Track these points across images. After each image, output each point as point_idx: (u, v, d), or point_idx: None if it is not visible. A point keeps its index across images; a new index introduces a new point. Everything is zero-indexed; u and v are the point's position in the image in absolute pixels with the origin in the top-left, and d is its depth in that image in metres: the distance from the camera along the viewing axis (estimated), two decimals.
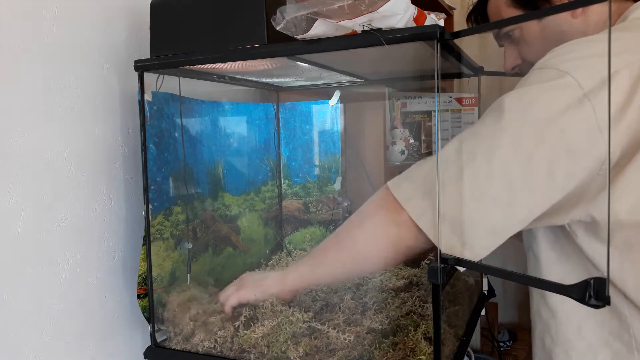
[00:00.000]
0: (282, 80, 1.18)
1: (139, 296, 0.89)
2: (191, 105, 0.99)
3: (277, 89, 1.26)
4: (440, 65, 0.63)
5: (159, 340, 0.86)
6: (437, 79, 0.63)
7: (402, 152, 1.24)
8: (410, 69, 1.06)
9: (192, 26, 0.78)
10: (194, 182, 1.00)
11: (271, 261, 1.14)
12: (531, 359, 0.86)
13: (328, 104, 1.23)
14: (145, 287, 0.88)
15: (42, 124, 0.77)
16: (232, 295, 0.82)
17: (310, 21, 0.64)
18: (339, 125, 1.24)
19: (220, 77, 1.02)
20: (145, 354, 0.85)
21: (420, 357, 0.72)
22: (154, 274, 0.87)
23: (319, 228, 1.25)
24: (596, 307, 0.50)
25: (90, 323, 0.85)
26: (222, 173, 1.09)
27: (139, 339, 0.95)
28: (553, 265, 0.75)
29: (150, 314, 0.87)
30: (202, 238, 1.01)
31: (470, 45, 1.57)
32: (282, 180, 1.29)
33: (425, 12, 0.69)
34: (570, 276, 0.71)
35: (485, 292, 1.09)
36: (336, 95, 1.21)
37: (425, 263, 0.96)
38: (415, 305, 0.86)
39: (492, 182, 0.62)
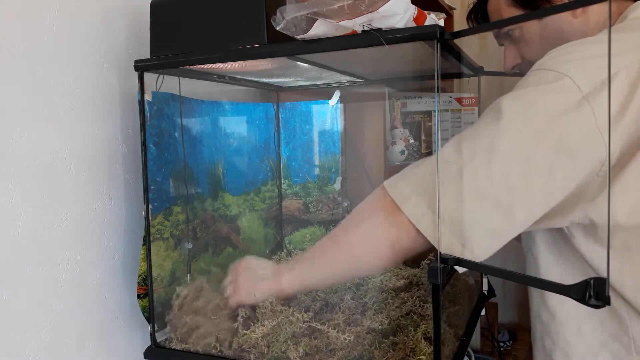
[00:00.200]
0: (282, 80, 1.18)
1: (139, 296, 0.89)
2: (191, 105, 0.99)
3: (277, 89, 1.26)
4: (440, 65, 0.63)
5: (159, 340, 0.86)
6: (437, 79, 0.63)
7: (402, 152, 1.24)
8: (410, 69, 1.06)
9: (192, 26, 0.78)
10: (194, 182, 1.00)
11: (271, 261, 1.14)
12: (531, 359, 0.86)
13: (328, 104, 1.23)
14: (145, 287, 0.88)
15: (42, 124, 0.77)
16: (231, 299, 0.82)
17: (310, 21, 0.64)
18: (339, 125, 1.24)
19: (220, 77, 1.02)
20: (145, 354, 0.85)
21: (420, 357, 0.72)
22: (154, 274, 0.87)
23: (319, 228, 1.25)
24: (596, 307, 0.50)
25: (90, 323, 0.85)
26: (222, 173, 1.09)
27: (139, 339, 0.95)
28: (551, 267, 0.75)
29: (150, 314, 0.87)
30: (202, 238, 1.01)
31: (470, 45, 1.57)
32: (282, 180, 1.29)
33: (425, 12, 0.69)
34: (568, 279, 0.71)
35: (485, 292, 1.09)
36: (336, 95, 1.21)
37: (425, 263, 0.96)
38: (415, 305, 0.86)
39: (492, 183, 0.61)
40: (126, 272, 0.92)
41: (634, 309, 0.67)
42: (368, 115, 1.36)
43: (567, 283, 0.53)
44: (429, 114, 1.23)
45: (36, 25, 0.75)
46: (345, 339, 0.75)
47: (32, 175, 0.75)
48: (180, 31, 0.79)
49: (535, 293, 0.81)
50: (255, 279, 0.82)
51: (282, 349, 0.76)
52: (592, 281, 0.50)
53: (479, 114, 1.15)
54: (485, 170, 0.62)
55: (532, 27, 0.81)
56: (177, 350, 0.83)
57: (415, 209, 0.64)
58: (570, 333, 0.75)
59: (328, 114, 1.24)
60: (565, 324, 0.75)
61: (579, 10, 0.76)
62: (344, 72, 1.06)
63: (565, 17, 0.77)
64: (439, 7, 1.31)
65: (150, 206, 0.86)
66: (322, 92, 1.25)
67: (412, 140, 1.24)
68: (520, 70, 0.88)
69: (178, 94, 0.93)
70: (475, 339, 1.36)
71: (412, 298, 0.88)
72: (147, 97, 0.85)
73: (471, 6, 0.92)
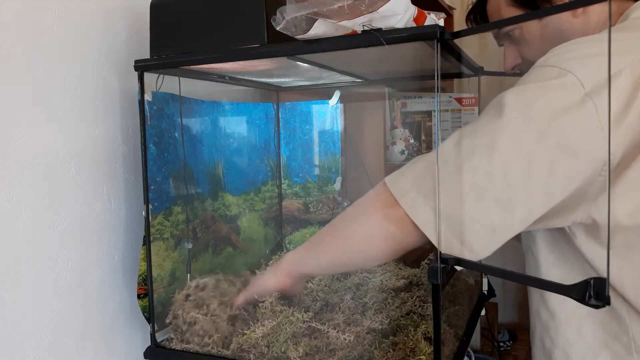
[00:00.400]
0: (282, 80, 1.18)
1: (139, 296, 0.89)
2: (191, 105, 0.99)
3: (277, 89, 1.26)
4: (440, 65, 0.63)
5: (159, 340, 0.86)
6: (437, 79, 0.63)
7: (402, 152, 1.24)
8: (410, 69, 1.06)
9: (192, 26, 0.78)
10: (194, 182, 1.00)
11: (271, 261, 1.14)
12: (531, 359, 0.86)
13: (328, 104, 1.23)
14: (145, 287, 0.88)
15: (42, 123, 0.77)
16: (238, 296, 0.83)
17: (310, 21, 0.64)
18: (339, 125, 1.24)
19: (220, 77, 1.02)
20: (145, 354, 0.85)
21: (420, 357, 0.72)
22: (154, 274, 0.87)
23: (319, 228, 1.25)
24: (596, 307, 0.50)
25: (90, 323, 0.85)
26: (222, 173, 1.09)
27: (139, 339, 0.95)
28: (551, 267, 0.75)
29: (150, 314, 0.87)
30: (202, 238, 1.01)
31: (470, 45, 1.57)
32: (282, 180, 1.29)
33: (425, 12, 0.69)
34: (568, 278, 0.71)
35: (485, 292, 1.09)
36: (336, 95, 1.21)
37: (425, 263, 0.96)
38: (415, 305, 0.86)
39: (492, 180, 0.61)
40: (126, 272, 0.92)
41: (634, 309, 0.67)
42: (368, 115, 1.36)
43: (566, 283, 0.53)
44: (429, 114, 1.23)
45: (36, 25, 0.75)
46: (345, 339, 0.75)
47: (32, 175, 0.75)
48: (180, 31, 0.79)
49: (534, 293, 0.81)
50: (255, 277, 0.84)
51: (282, 349, 0.76)
52: (592, 281, 0.50)
53: (480, 114, 1.15)
54: (485, 167, 0.61)
55: (532, 27, 0.81)
56: (177, 350, 0.83)
57: (413, 204, 0.64)
58: (570, 333, 0.75)
59: (328, 114, 1.24)
60: (565, 324, 0.75)
61: (579, 10, 0.76)
62: (344, 72, 1.06)
63: (565, 17, 0.77)
64: (439, 7, 1.31)
65: (150, 206, 0.86)
66: (322, 92, 1.25)
67: (412, 140, 1.24)
68: (520, 71, 0.87)
69: (178, 94, 0.93)
70: (475, 339, 1.36)
71: (412, 298, 0.88)
72: (147, 97, 0.85)
73: (471, 6, 0.92)
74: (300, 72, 1.06)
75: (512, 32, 0.84)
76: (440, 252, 0.62)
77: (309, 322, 0.78)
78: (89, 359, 0.85)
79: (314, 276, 0.91)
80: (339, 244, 0.73)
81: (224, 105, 1.10)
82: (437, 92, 0.66)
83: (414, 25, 0.66)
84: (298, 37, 0.66)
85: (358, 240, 0.71)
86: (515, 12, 0.82)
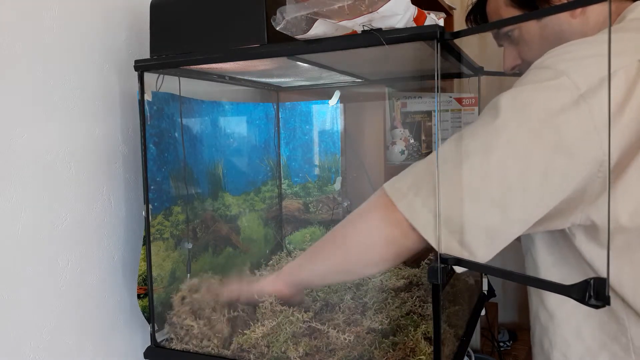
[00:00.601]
0: (282, 80, 1.18)
1: (139, 296, 0.89)
2: (191, 105, 0.99)
3: (277, 89, 1.26)
4: (440, 65, 0.63)
5: (159, 340, 0.86)
6: (437, 79, 0.63)
7: (402, 152, 1.24)
8: (410, 69, 1.06)
9: (192, 26, 0.78)
10: (194, 182, 1.00)
11: (271, 261, 1.14)
12: (531, 359, 0.86)
13: (328, 104, 1.23)
14: (145, 287, 0.88)
15: (42, 123, 0.77)
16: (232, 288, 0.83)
17: (310, 21, 0.64)
18: (339, 125, 1.24)
19: (220, 77, 1.02)
20: (145, 354, 0.85)
21: (420, 357, 0.72)
22: (154, 274, 0.87)
23: (319, 228, 1.25)
24: (596, 307, 0.50)
25: (90, 323, 0.85)
26: (222, 173, 1.09)
27: (139, 339, 0.95)
28: (551, 268, 0.75)
29: (150, 314, 0.87)
30: (202, 238, 1.01)
31: (470, 45, 1.57)
32: (282, 180, 1.29)
33: (425, 12, 0.69)
34: (568, 279, 0.71)
35: (485, 292, 1.09)
36: (336, 95, 1.21)
37: (425, 263, 0.96)
38: (415, 305, 0.86)
39: (489, 182, 0.61)
40: (126, 272, 0.92)
41: (633, 310, 0.67)
42: (368, 115, 1.36)
43: (566, 284, 0.53)
44: (429, 114, 1.23)
45: (36, 25, 0.75)
46: (345, 339, 0.75)
47: (32, 175, 0.75)
48: (180, 31, 0.79)
49: (534, 294, 0.81)
50: (255, 279, 0.83)
51: (282, 349, 0.76)
52: (592, 281, 0.50)
53: (479, 114, 1.15)
54: (483, 168, 0.61)
55: (531, 27, 0.81)
56: (177, 350, 0.83)
57: (411, 206, 0.64)
58: (568, 334, 0.75)
59: (328, 114, 1.24)
60: (563, 324, 0.75)
61: (578, 10, 0.76)
62: (344, 72, 1.07)
63: (564, 17, 0.77)
64: (439, 7, 1.31)
65: (150, 206, 0.86)
66: (322, 92, 1.25)
67: (412, 140, 1.24)
68: (519, 71, 0.87)
69: (178, 94, 0.93)
70: (475, 339, 1.36)
71: (412, 298, 0.88)
72: (147, 97, 0.85)
73: (471, 6, 0.92)
74: (300, 72, 1.06)
75: (512, 33, 0.84)
76: (440, 252, 0.62)
77: (309, 322, 0.78)
78: (89, 359, 0.85)
79: (315, 286, 0.90)
80: (338, 251, 0.73)
81: (224, 105, 1.10)
82: (437, 92, 0.66)
83: (414, 25, 0.66)
84: (298, 37, 0.66)
85: (357, 245, 0.70)
86: (515, 12, 0.82)
